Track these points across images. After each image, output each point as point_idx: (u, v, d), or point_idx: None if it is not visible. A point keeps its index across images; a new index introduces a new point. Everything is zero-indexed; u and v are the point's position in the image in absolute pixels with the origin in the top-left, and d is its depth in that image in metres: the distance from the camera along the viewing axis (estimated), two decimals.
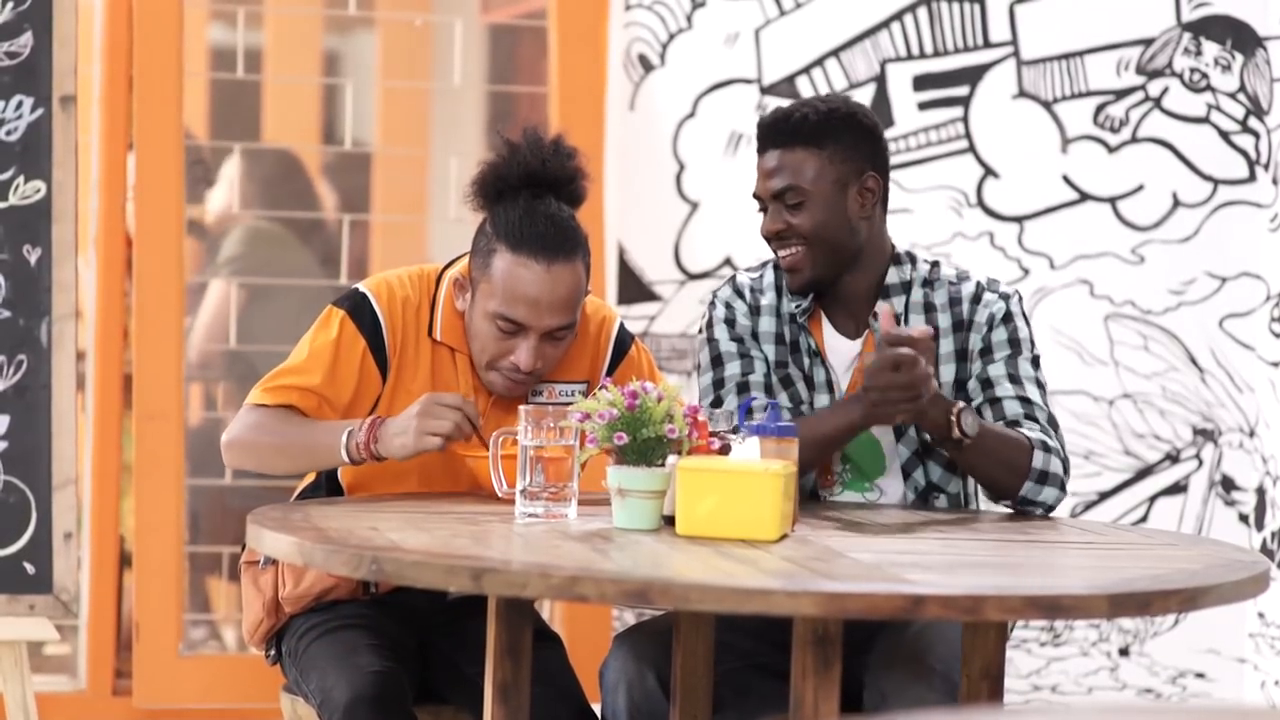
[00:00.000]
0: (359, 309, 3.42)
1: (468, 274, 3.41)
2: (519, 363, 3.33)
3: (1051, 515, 3.44)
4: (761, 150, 3.48)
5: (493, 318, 3.33)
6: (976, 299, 3.50)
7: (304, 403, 3.38)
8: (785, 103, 3.57)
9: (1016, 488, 3.36)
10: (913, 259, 3.53)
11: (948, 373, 3.48)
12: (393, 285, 3.45)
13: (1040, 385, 3.48)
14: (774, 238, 3.47)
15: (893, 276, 3.50)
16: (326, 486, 3.49)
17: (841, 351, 3.50)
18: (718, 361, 3.50)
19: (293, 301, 5.37)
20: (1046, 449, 3.37)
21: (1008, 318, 3.48)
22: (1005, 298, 3.50)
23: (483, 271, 3.36)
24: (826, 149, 3.43)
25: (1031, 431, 3.40)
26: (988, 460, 3.35)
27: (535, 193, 3.37)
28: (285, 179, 5.50)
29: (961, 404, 3.32)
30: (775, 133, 3.46)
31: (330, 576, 3.38)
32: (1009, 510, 3.45)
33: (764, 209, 3.49)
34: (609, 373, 3.50)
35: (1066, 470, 3.40)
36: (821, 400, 3.48)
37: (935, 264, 3.54)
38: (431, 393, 3.32)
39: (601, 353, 3.52)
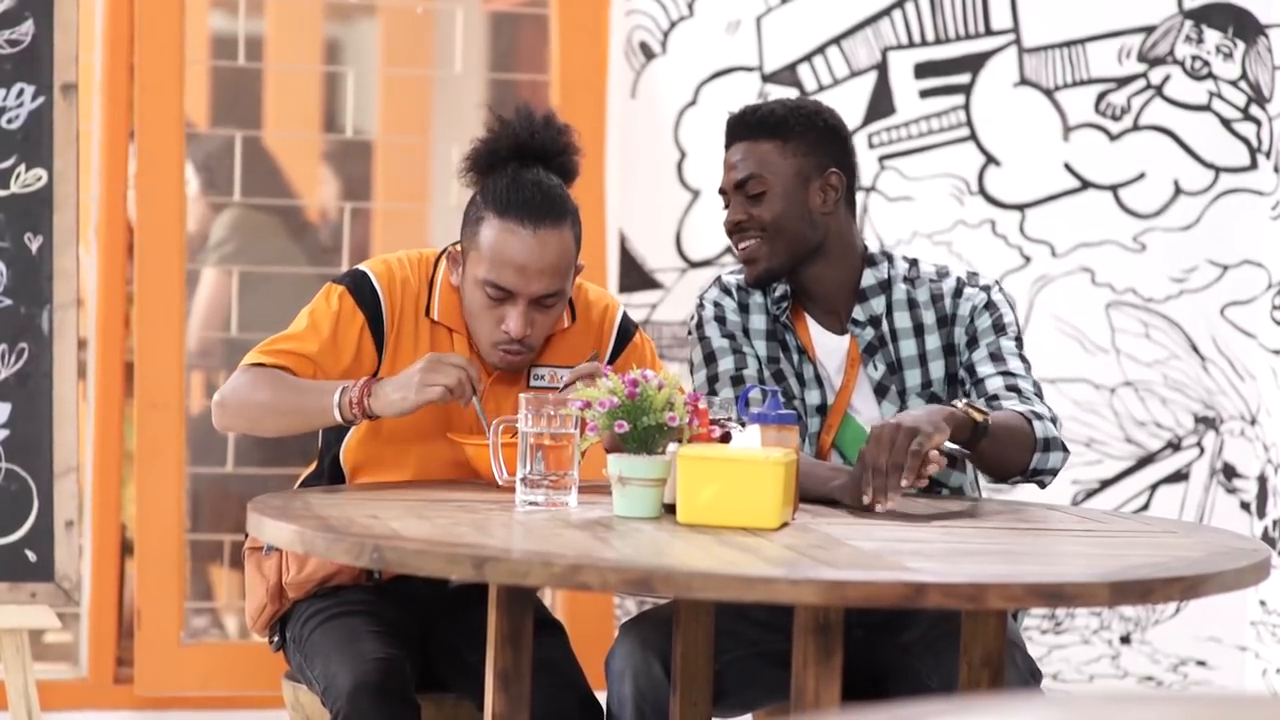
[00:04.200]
0: (359, 286, 3.45)
1: (460, 248, 3.43)
2: (509, 329, 3.34)
3: (1052, 504, 3.43)
4: (728, 144, 3.53)
5: (481, 285, 3.36)
6: (958, 293, 3.52)
7: (299, 367, 3.40)
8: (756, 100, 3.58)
9: (1028, 461, 3.35)
10: (889, 257, 3.54)
11: (937, 369, 3.49)
12: (392, 266, 3.48)
13: (1023, 359, 3.48)
14: (735, 229, 3.50)
15: (868, 279, 3.51)
16: (329, 475, 3.49)
17: (829, 348, 3.52)
18: (711, 358, 3.51)
19: (293, 290, 5.37)
20: (1039, 416, 3.36)
21: (989, 306, 3.51)
22: (985, 289, 3.53)
23: (471, 240, 3.39)
24: (790, 142, 3.47)
25: (1015, 405, 3.39)
26: (1003, 440, 3.30)
27: (524, 163, 3.40)
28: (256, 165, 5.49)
29: (960, 401, 3.28)
30: (742, 126, 3.51)
31: (334, 561, 3.39)
32: (1009, 498, 3.44)
33: (728, 204, 3.52)
34: (611, 360, 3.50)
35: (1058, 425, 3.39)
36: (813, 396, 3.49)
37: (914, 261, 3.56)
38: (436, 352, 3.34)
39: (605, 339, 3.53)
